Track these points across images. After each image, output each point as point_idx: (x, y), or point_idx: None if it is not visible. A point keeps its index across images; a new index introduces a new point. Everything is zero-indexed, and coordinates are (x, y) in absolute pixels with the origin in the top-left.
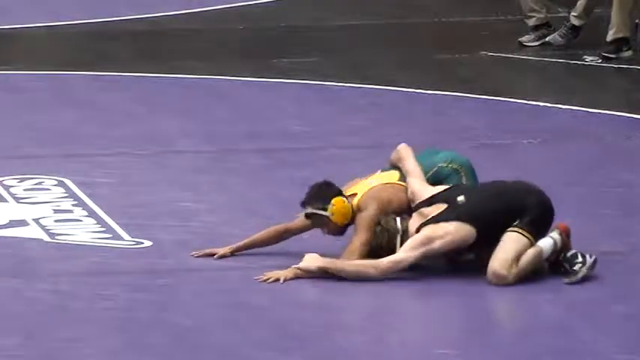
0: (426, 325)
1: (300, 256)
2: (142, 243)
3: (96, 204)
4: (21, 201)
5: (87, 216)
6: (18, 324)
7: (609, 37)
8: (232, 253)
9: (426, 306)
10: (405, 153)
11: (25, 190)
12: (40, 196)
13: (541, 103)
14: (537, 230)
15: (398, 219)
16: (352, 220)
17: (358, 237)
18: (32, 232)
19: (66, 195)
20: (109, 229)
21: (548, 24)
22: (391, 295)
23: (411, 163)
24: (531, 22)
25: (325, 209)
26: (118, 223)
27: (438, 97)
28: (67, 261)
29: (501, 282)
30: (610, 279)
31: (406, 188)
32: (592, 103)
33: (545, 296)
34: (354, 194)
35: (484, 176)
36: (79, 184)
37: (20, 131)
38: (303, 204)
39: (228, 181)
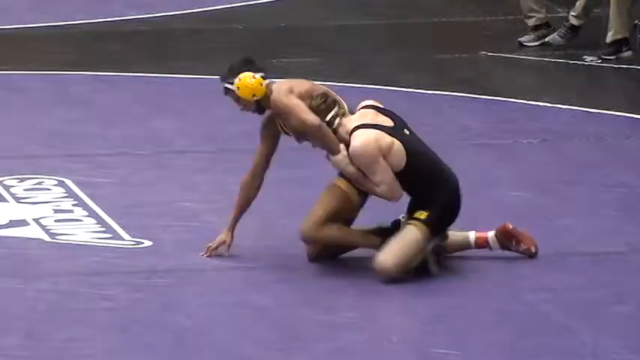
0: (426, 325)
1: (301, 257)
2: (142, 243)
3: (96, 204)
4: (21, 201)
5: (87, 216)
6: (18, 324)
7: (608, 39)
8: (232, 233)
9: (426, 306)
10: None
11: (25, 190)
12: (41, 196)
13: (541, 103)
14: (438, 230)
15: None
16: (267, 102)
17: (294, 114)
18: (32, 232)
19: (66, 195)
20: (109, 229)
21: (547, 24)
22: (391, 294)
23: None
24: (531, 22)
25: (233, 83)
26: (118, 223)
27: (438, 97)
28: (68, 261)
29: (385, 274)
30: (610, 279)
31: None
32: (592, 103)
33: (543, 296)
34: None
35: (484, 176)
36: (79, 184)
37: (20, 131)
38: (221, 78)
39: (228, 180)
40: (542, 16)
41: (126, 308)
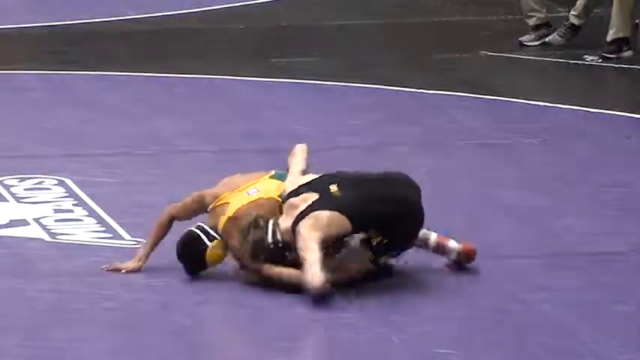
0: (426, 325)
1: None
2: (143, 242)
3: (96, 203)
4: (21, 200)
5: (87, 215)
6: (18, 324)
7: (609, 37)
8: (140, 267)
9: (426, 305)
10: (297, 151)
11: (25, 189)
12: (41, 195)
13: (541, 103)
14: (387, 249)
15: (270, 221)
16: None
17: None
18: (33, 231)
19: (66, 194)
20: (109, 229)
21: (548, 24)
22: (391, 294)
23: (296, 161)
24: (531, 22)
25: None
26: (118, 223)
27: (439, 97)
28: (68, 261)
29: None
30: (610, 279)
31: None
32: (592, 102)
33: (543, 296)
34: (227, 203)
35: (484, 176)
36: (79, 184)
37: (20, 131)
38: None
39: None
40: (542, 15)
41: (126, 308)
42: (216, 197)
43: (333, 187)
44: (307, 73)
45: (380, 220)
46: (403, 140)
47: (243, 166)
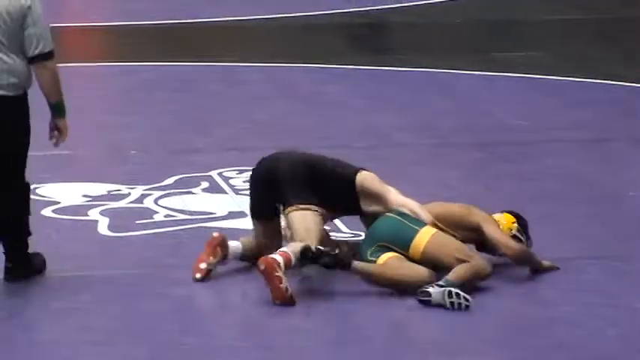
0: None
1: None
2: (359, 235)
3: None
4: (240, 193)
5: None
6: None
7: None
8: None
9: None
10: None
11: (244, 181)
12: None
13: None
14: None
15: None
16: None
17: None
18: (251, 223)
19: None
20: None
21: None
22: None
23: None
24: None
25: None
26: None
27: None
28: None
29: None
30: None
31: None
32: None
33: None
34: None
35: None
36: None
37: (239, 123)
38: None
39: (449, 175)
40: None
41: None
42: None
43: None
44: (526, 67)
45: None
46: (621, 135)
47: (459, 160)
